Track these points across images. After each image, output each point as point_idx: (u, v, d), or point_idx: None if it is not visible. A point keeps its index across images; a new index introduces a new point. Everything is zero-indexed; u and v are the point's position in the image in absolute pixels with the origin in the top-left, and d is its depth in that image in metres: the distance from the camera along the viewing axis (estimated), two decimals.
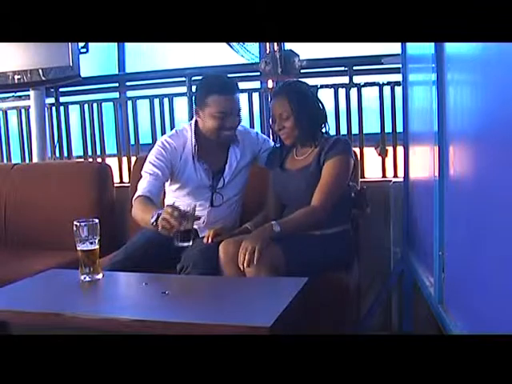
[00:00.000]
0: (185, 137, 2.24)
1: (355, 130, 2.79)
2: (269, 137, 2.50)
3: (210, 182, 2.25)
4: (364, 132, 2.78)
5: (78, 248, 1.75)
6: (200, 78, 2.37)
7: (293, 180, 2.15)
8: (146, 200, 2.05)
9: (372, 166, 2.80)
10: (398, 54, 2.41)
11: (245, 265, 1.84)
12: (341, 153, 2.07)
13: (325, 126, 2.19)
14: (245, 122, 2.92)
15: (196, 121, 2.23)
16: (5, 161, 3.35)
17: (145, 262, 2.08)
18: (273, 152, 2.30)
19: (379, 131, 2.77)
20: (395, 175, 2.75)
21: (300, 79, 2.47)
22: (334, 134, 2.58)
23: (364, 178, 2.71)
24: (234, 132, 2.22)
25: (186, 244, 1.83)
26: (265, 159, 2.33)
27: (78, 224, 1.75)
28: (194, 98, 2.25)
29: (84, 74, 3.03)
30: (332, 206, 2.03)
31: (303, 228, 2.02)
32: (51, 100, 3.24)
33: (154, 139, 2.97)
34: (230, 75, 3.02)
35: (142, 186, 2.12)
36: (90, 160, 3.18)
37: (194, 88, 2.30)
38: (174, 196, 2.28)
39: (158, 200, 2.12)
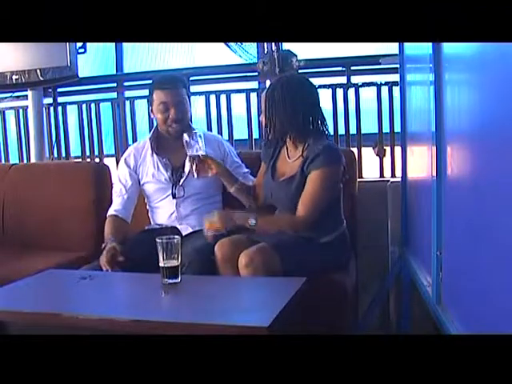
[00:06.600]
0: (146, 140, 2.39)
1: (353, 130, 2.79)
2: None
3: (169, 175, 2.31)
4: (362, 132, 2.78)
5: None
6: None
7: (280, 191, 2.06)
8: (112, 221, 2.24)
9: (370, 166, 2.80)
10: (396, 54, 2.41)
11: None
12: (327, 164, 1.94)
13: (319, 125, 2.03)
14: (242, 122, 2.94)
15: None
16: (3, 161, 3.34)
17: (136, 261, 2.07)
18: (266, 145, 2.18)
19: (377, 131, 2.77)
20: (393, 175, 2.76)
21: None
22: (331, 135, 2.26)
23: (362, 177, 2.72)
24: (181, 124, 2.27)
25: (173, 281, 1.68)
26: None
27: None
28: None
29: (82, 74, 3.03)
30: (316, 219, 1.95)
31: (281, 231, 1.99)
32: (49, 100, 3.23)
33: None
34: (227, 75, 3.06)
35: (113, 204, 2.31)
36: (88, 160, 3.17)
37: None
38: (147, 194, 2.37)
39: (128, 214, 2.29)
